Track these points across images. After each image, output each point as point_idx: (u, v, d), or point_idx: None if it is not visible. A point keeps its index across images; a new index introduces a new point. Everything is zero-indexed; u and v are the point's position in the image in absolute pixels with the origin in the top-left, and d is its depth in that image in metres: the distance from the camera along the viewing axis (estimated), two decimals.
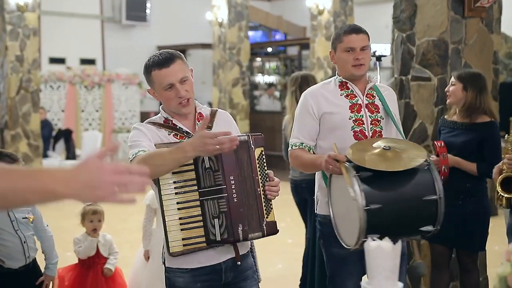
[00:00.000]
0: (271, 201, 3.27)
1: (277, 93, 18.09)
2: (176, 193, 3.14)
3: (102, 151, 2.03)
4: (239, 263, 3.26)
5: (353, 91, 3.99)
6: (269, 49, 19.80)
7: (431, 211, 3.49)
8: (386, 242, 2.00)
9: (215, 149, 2.96)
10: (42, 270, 4.69)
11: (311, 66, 13.75)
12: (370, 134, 3.92)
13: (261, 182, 3.24)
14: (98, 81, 16.88)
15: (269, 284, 6.68)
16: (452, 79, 5.09)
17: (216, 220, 3.12)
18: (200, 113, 3.36)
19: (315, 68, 13.39)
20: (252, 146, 3.22)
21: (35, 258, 4.56)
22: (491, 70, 6.18)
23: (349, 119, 3.93)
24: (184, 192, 3.15)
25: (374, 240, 2.02)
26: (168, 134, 3.26)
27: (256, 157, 3.23)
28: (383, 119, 3.97)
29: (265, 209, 3.23)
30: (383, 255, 2.00)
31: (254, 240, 3.92)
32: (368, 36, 4.04)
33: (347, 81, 4.00)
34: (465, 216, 4.75)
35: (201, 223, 3.14)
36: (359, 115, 3.94)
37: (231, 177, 3.14)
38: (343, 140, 3.82)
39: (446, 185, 4.58)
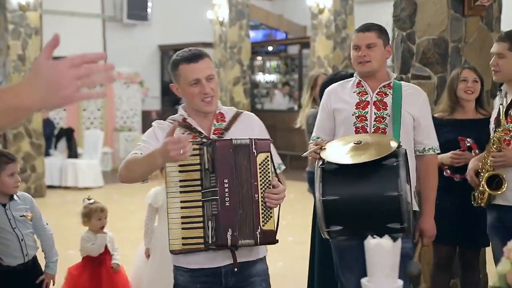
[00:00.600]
0: (272, 209, 3.17)
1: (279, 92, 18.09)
2: (180, 192, 3.13)
3: (45, 49, 1.95)
4: (236, 269, 3.20)
5: (365, 89, 4.02)
6: (270, 48, 19.83)
7: (394, 207, 3.44)
8: (386, 240, 2.00)
9: (178, 155, 2.85)
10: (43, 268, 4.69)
11: (312, 65, 13.76)
12: (372, 130, 3.94)
13: (261, 188, 3.15)
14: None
15: (272, 280, 6.70)
16: (471, 74, 5.04)
17: (209, 223, 3.09)
18: (220, 113, 3.32)
19: (316, 67, 13.38)
20: (254, 151, 3.14)
21: (35, 256, 4.57)
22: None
23: (353, 115, 3.97)
24: (187, 191, 3.13)
25: (374, 238, 2.02)
26: (182, 133, 3.20)
27: (259, 163, 3.14)
28: (389, 116, 3.97)
29: (263, 217, 3.14)
30: (383, 253, 2.00)
31: None
32: (380, 33, 4.03)
33: (360, 79, 4.05)
34: (467, 214, 4.75)
35: (201, 224, 3.11)
36: (364, 111, 3.97)
37: (225, 180, 3.10)
38: (349, 134, 3.90)
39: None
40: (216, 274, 3.20)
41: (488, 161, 4.25)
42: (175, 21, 18.44)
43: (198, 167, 3.11)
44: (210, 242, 3.09)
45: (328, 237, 3.60)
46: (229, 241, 3.08)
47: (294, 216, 10.28)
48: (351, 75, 5.32)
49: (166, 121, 3.34)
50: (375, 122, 3.96)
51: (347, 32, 13.21)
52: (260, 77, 18.81)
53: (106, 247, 5.44)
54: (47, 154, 13.75)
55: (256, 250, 3.24)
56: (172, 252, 3.19)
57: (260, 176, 3.14)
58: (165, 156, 2.90)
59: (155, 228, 5.45)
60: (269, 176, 3.17)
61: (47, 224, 4.68)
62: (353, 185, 3.51)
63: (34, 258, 4.55)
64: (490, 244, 4.64)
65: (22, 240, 4.40)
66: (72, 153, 14.29)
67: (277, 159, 3.33)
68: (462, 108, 5.05)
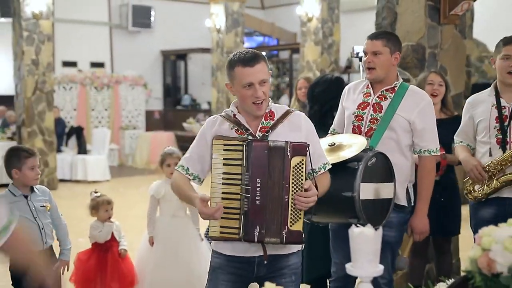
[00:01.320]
0: (301, 211, 3.05)
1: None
2: (222, 184, 3.09)
3: None
4: (265, 262, 3.14)
5: (369, 91, 4.04)
6: (263, 53, 19.79)
7: (350, 206, 3.51)
8: (369, 229, 2.01)
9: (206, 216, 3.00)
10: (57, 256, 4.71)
11: (301, 69, 13.74)
12: (366, 130, 3.94)
13: (293, 191, 3.04)
14: (107, 82, 16.86)
15: None
16: (436, 78, 5.07)
17: (242, 217, 3.06)
18: (271, 111, 3.20)
19: (305, 70, 13.37)
20: (288, 154, 3.02)
21: (52, 245, 4.58)
22: (464, 72, 6.21)
23: (353, 114, 4.01)
24: (229, 184, 3.09)
25: (357, 226, 2.02)
26: (231, 129, 3.17)
27: (293, 166, 3.02)
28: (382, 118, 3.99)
29: (291, 218, 3.04)
30: (365, 240, 2.01)
31: None
32: (387, 41, 4.02)
33: (369, 82, 4.08)
34: (441, 206, 4.74)
35: (238, 216, 3.07)
36: (363, 112, 3.99)
37: (258, 180, 3.03)
38: (348, 133, 3.98)
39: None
40: (250, 263, 3.16)
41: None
42: (176, 28, 18.43)
43: (239, 162, 3.06)
44: (240, 235, 3.06)
45: (309, 222, 3.65)
46: (256, 237, 3.04)
47: None
48: (337, 78, 5.36)
49: (219, 115, 3.28)
50: (369, 123, 3.95)
51: (334, 39, 13.22)
52: None
53: (112, 235, 5.47)
54: (58, 150, 13.73)
55: (288, 245, 3.17)
56: (210, 238, 3.20)
57: (293, 179, 3.04)
58: (199, 209, 3.03)
59: (157, 218, 5.45)
60: (302, 179, 3.05)
61: (61, 215, 4.70)
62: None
63: (51, 247, 4.57)
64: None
65: (42, 229, 4.42)
66: (82, 150, 14.28)
67: (321, 160, 3.23)
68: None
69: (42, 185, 4.61)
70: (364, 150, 3.64)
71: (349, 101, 4.10)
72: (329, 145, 3.64)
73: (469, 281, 1.78)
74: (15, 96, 12.97)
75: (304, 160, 3.04)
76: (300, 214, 3.06)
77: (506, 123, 4.19)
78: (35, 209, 4.41)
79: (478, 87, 5.59)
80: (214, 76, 15.57)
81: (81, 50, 17.13)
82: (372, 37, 4.06)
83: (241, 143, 3.07)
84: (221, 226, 3.08)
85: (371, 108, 3.98)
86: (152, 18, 18.41)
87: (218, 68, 15.26)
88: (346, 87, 4.24)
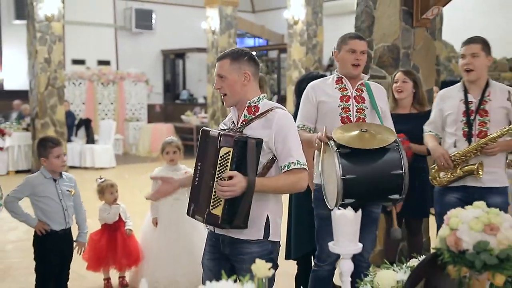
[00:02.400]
0: (221, 198, 2.90)
1: None
2: None
3: None
4: (223, 241, 3.09)
5: (345, 85, 4.01)
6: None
7: (398, 183, 3.52)
8: (349, 211, 2.01)
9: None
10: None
11: (288, 67, 13.73)
12: (355, 120, 3.93)
13: (217, 178, 2.92)
14: (112, 79, 16.79)
15: None
16: (401, 76, 5.07)
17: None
18: (256, 106, 3.09)
19: (291, 68, 13.38)
20: (218, 143, 2.95)
21: (71, 227, 4.63)
22: (434, 70, 6.22)
23: (338, 107, 3.95)
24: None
25: (339, 209, 2.03)
26: (229, 120, 3.21)
27: (221, 155, 2.93)
28: (367, 108, 3.97)
29: (213, 202, 2.94)
30: (346, 221, 2.01)
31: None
32: (366, 42, 4.09)
33: (342, 76, 4.03)
34: (413, 190, 4.74)
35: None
36: (347, 104, 3.96)
37: (199, 163, 3.07)
38: (333, 124, 3.86)
39: None
40: (218, 239, 3.14)
41: (471, 153, 4.16)
42: (175, 30, 18.38)
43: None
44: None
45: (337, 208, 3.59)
46: (190, 212, 3.10)
47: None
48: (321, 76, 5.34)
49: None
50: (356, 113, 3.95)
51: (317, 40, 13.22)
52: None
53: (120, 216, 5.49)
54: (69, 140, 13.68)
55: (247, 231, 3.00)
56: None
57: (219, 167, 2.93)
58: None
59: (159, 201, 5.44)
60: (225, 169, 2.91)
61: (82, 201, 4.76)
62: (366, 165, 3.55)
63: (70, 228, 4.61)
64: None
65: (66, 210, 4.49)
66: (90, 140, 14.24)
67: (288, 158, 2.96)
68: (400, 105, 5.09)
69: None
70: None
71: (324, 96, 4.00)
72: (361, 131, 3.63)
73: (438, 258, 1.79)
74: (30, 91, 12.94)
75: (231, 151, 2.89)
76: (221, 200, 2.90)
77: (472, 117, 4.19)
78: (61, 192, 4.49)
79: (446, 84, 5.61)
80: (209, 73, 15.53)
81: (89, 49, 17.06)
82: (360, 37, 4.07)
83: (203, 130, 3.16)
84: None
85: (354, 100, 3.98)
86: (153, 21, 18.37)
87: (213, 66, 15.12)
88: (313, 86, 4.07)
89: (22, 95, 14.50)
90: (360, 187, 3.50)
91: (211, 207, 2.94)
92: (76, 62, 16.91)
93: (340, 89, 4.01)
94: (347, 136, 3.61)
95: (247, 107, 3.09)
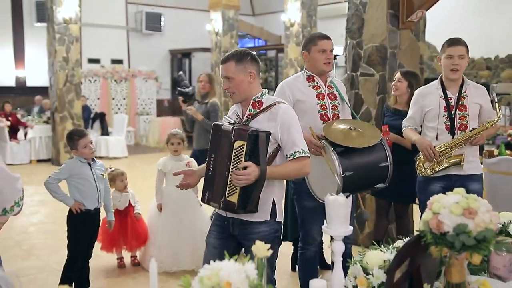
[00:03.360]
0: (237, 186, 2.94)
1: None
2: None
3: None
4: (225, 222, 3.14)
5: (318, 83, 3.95)
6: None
7: (384, 173, 3.57)
8: (341, 197, 2.01)
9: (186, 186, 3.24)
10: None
11: (285, 65, 13.72)
12: (331, 116, 3.90)
13: (232, 168, 2.95)
14: (124, 76, 16.79)
15: None
16: (398, 76, 5.08)
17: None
18: (260, 101, 3.11)
19: (288, 66, 13.37)
20: (232, 137, 2.96)
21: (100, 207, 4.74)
22: (418, 69, 6.21)
23: (317, 105, 3.91)
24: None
25: (332, 195, 2.03)
26: (234, 114, 3.20)
27: (235, 148, 2.95)
28: (339, 104, 3.97)
29: (228, 190, 2.98)
30: (338, 206, 2.02)
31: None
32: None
33: (314, 75, 3.96)
34: (402, 179, 4.74)
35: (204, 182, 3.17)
36: (323, 101, 3.92)
37: (212, 155, 3.06)
38: (312, 121, 3.82)
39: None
40: (227, 221, 3.15)
41: (455, 144, 4.17)
42: (182, 31, 18.36)
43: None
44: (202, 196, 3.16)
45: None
46: (205, 200, 3.11)
47: None
48: None
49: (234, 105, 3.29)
50: (332, 110, 3.92)
51: None
52: None
53: (129, 202, 5.52)
54: None
55: (257, 214, 3.05)
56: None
57: (234, 158, 2.95)
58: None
59: (164, 188, 5.45)
60: (240, 160, 2.94)
61: (109, 186, 4.93)
62: (360, 162, 3.55)
63: (100, 208, 4.70)
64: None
65: (99, 191, 4.58)
66: (104, 131, 14.26)
67: (293, 148, 3.01)
68: (398, 101, 5.12)
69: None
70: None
71: (301, 95, 3.91)
72: (350, 129, 3.63)
73: (422, 239, 1.80)
74: (50, 87, 12.94)
75: (245, 144, 2.92)
76: (236, 189, 2.95)
77: (453, 112, 4.20)
78: (96, 175, 4.57)
79: (429, 81, 5.61)
80: (213, 71, 15.50)
81: (103, 49, 17.04)
82: (328, 38, 4.02)
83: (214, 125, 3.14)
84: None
85: (328, 98, 3.95)
86: (162, 23, 18.35)
87: (216, 65, 15.19)
88: (288, 85, 3.96)
89: (43, 91, 14.51)
90: (355, 182, 3.51)
91: (227, 195, 2.98)
92: (91, 61, 16.89)
93: (313, 87, 3.96)
94: (338, 134, 3.58)
95: (252, 102, 3.11)
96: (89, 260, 4.78)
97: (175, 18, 18.52)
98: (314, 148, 3.65)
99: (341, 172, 3.45)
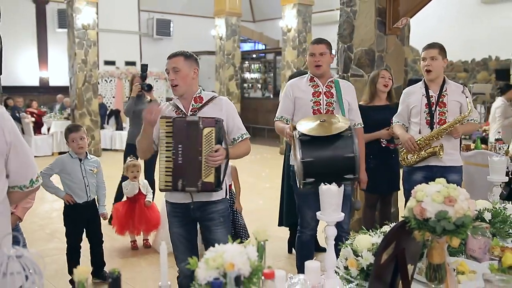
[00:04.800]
0: (212, 167, 3.04)
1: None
2: (166, 149, 3.09)
3: None
4: (192, 206, 3.18)
5: (317, 83, 3.97)
6: (254, 55, 19.67)
7: (350, 164, 3.39)
8: (334, 186, 2.01)
9: (150, 119, 3.06)
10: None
11: (282, 67, 13.68)
12: (325, 111, 3.90)
13: (205, 152, 3.02)
14: None
15: (254, 214, 6.72)
16: (388, 74, 4.94)
17: (171, 173, 3.09)
18: (200, 96, 3.24)
19: (285, 68, 13.33)
20: (201, 126, 3.03)
21: (95, 198, 4.61)
22: (403, 70, 6.22)
23: (311, 101, 3.93)
24: (166, 150, 3.09)
25: (325, 184, 2.03)
26: (172, 110, 3.21)
27: (204, 134, 3.03)
28: (335, 102, 3.95)
29: (204, 172, 3.04)
30: (331, 194, 2.01)
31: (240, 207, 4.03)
32: (328, 46, 3.97)
33: (313, 76, 3.99)
34: (385, 170, 4.75)
35: (170, 173, 3.10)
36: (318, 99, 3.93)
37: (179, 146, 3.05)
38: (306, 115, 3.82)
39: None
40: (187, 208, 3.18)
41: (434, 136, 4.17)
42: (189, 36, 18.31)
43: (171, 134, 3.08)
44: (171, 187, 3.11)
45: (302, 187, 3.50)
46: (179, 187, 3.07)
47: (270, 170, 10.30)
48: (305, 73, 5.31)
49: (168, 102, 3.34)
50: (326, 106, 3.92)
51: (307, 45, 13.15)
52: (247, 75, 18.68)
53: (140, 190, 5.51)
54: (102, 127, 13.70)
55: (216, 193, 3.17)
56: (160, 189, 3.16)
57: (204, 144, 3.03)
58: (146, 121, 3.08)
59: None
60: (212, 144, 3.03)
61: (104, 181, 4.71)
62: (323, 150, 3.42)
63: (94, 200, 4.59)
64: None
65: (87, 186, 4.47)
66: (119, 127, 14.23)
67: (239, 131, 3.27)
68: (379, 97, 5.06)
69: (90, 153, 4.60)
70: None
71: (300, 92, 3.96)
72: (320, 121, 3.54)
73: (407, 224, 1.80)
74: (70, 87, 12.96)
75: (213, 130, 3.04)
76: (212, 170, 3.04)
77: (433, 108, 4.23)
78: (85, 170, 4.46)
79: (412, 82, 5.63)
80: (217, 72, 15.50)
81: (118, 52, 17.02)
82: (317, 42, 3.97)
83: (170, 119, 3.10)
84: (165, 181, 3.10)
85: (324, 96, 3.95)
86: (171, 29, 18.36)
87: (220, 66, 15.19)
88: (291, 84, 4.05)
89: (64, 90, 14.51)
90: (317, 168, 3.38)
91: (203, 177, 3.04)
92: (107, 63, 16.86)
93: (313, 86, 3.97)
94: (308, 125, 3.53)
95: (194, 97, 3.22)
96: (102, 245, 4.73)
97: (183, 24, 18.49)
98: (287, 137, 3.71)
99: (301, 157, 3.39)
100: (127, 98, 6.59)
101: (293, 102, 3.97)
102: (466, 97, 4.21)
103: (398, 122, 4.48)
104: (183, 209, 3.20)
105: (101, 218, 4.73)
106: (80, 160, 4.46)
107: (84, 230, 4.64)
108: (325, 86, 3.97)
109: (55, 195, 4.51)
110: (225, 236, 3.16)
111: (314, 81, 3.99)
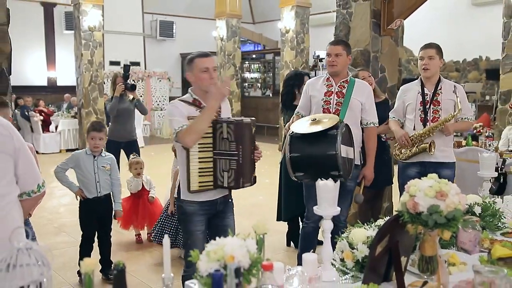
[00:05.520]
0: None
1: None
2: (198, 151, 3.03)
3: None
4: (230, 200, 3.23)
5: (331, 83, 4.00)
6: (254, 56, 19.65)
7: (332, 161, 3.40)
8: (330, 182, 2.01)
9: (225, 91, 3.01)
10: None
11: (281, 67, 13.66)
12: (333, 111, 3.92)
13: (253, 150, 3.12)
14: (141, 76, 16.73)
15: (254, 208, 6.73)
16: (366, 73, 4.89)
17: (225, 173, 3.03)
18: None
19: (284, 68, 13.31)
20: (253, 127, 3.10)
21: (109, 194, 4.57)
22: (397, 70, 6.22)
23: (321, 100, 3.97)
24: (203, 150, 3.04)
25: (322, 180, 2.03)
26: (196, 110, 3.07)
27: (252, 134, 3.12)
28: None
29: (254, 168, 3.14)
30: (327, 189, 2.02)
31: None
32: (345, 47, 3.97)
33: (329, 76, 4.02)
34: (383, 164, 4.76)
35: (212, 173, 3.06)
36: (329, 98, 3.96)
37: (241, 147, 3.03)
38: (317, 113, 3.90)
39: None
40: (213, 204, 3.17)
41: (426, 133, 4.19)
42: (191, 37, 18.29)
43: (211, 135, 3.03)
44: (223, 185, 3.06)
45: (295, 179, 3.61)
46: (241, 184, 3.06)
47: (269, 166, 10.31)
48: (295, 72, 5.32)
49: (177, 101, 3.19)
50: (335, 106, 3.93)
51: (304, 45, 13.14)
52: (247, 75, 18.67)
53: (143, 186, 5.51)
54: (107, 125, 13.66)
55: (226, 190, 3.19)
56: (191, 191, 3.06)
57: (253, 143, 3.12)
58: (219, 94, 2.99)
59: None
60: (255, 141, 3.14)
61: (119, 178, 4.68)
62: (309, 146, 3.46)
63: (106, 195, 4.55)
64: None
65: (98, 182, 4.46)
66: None
67: None
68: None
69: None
70: (337, 123, 3.56)
71: (315, 91, 4.03)
72: (312, 120, 3.58)
73: (400, 218, 1.80)
74: (76, 86, 12.94)
75: (255, 130, 3.15)
76: (255, 165, 3.14)
77: (427, 106, 4.24)
78: (97, 167, 4.45)
79: (406, 81, 5.64)
80: (218, 72, 15.50)
81: (123, 53, 17.00)
82: (333, 43, 4.01)
83: (232, 122, 3.04)
84: (199, 182, 3.05)
85: (335, 95, 3.96)
86: (174, 30, 18.32)
87: (221, 67, 15.16)
88: (308, 83, 4.15)
89: (71, 89, 14.51)
90: (304, 163, 3.45)
91: (253, 172, 3.14)
92: (112, 63, 16.85)
93: (327, 85, 4.01)
94: (300, 124, 3.59)
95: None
96: (110, 245, 4.70)
97: (185, 26, 18.45)
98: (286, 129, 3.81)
99: (288, 153, 3.49)
100: (111, 98, 6.62)
101: (309, 100, 4.06)
102: (457, 96, 4.21)
103: (394, 117, 4.51)
104: (210, 205, 3.17)
105: (114, 215, 4.75)
106: (94, 156, 4.47)
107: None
108: (338, 86, 3.98)
109: (68, 189, 4.51)
110: (233, 222, 3.29)
111: (330, 81, 4.02)
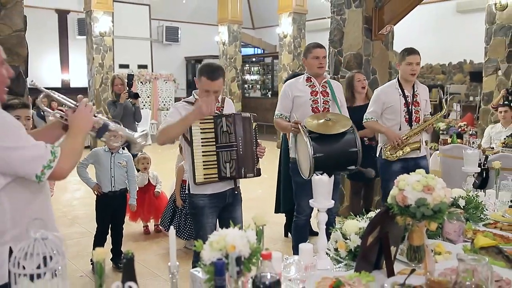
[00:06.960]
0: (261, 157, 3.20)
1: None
2: (202, 145, 3.04)
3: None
4: (236, 192, 3.21)
5: (314, 83, 3.98)
6: (254, 59, 19.63)
7: (353, 157, 3.44)
8: (325, 176, 2.02)
9: (208, 109, 2.89)
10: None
11: (279, 70, 13.67)
12: (322, 109, 3.92)
13: (254, 144, 3.14)
14: (148, 78, 16.69)
15: (254, 201, 6.74)
16: (362, 76, 5.06)
17: (227, 164, 3.04)
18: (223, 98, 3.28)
19: (282, 70, 13.32)
20: (252, 120, 3.13)
21: (124, 189, 4.59)
22: (387, 73, 6.21)
23: (309, 99, 3.94)
24: (207, 145, 3.05)
25: (317, 175, 2.04)
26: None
27: (253, 127, 3.15)
28: (330, 100, 3.96)
29: (256, 160, 3.16)
30: (323, 184, 2.02)
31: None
32: (326, 50, 4.02)
33: (311, 76, 4.00)
34: (370, 158, 4.75)
35: (216, 165, 3.06)
36: (316, 97, 3.94)
37: (240, 138, 3.05)
38: (305, 113, 3.84)
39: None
40: (223, 196, 3.17)
41: (413, 133, 4.21)
42: (195, 42, 18.28)
43: (212, 130, 3.05)
44: (227, 175, 3.06)
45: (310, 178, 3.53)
46: (243, 174, 3.08)
47: (268, 162, 10.29)
48: (293, 73, 5.33)
49: (182, 102, 3.24)
50: (323, 104, 3.93)
51: (301, 49, 13.13)
52: (247, 77, 18.66)
53: (149, 181, 5.50)
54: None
55: (237, 181, 3.21)
56: (197, 183, 3.06)
57: (254, 137, 3.13)
58: (198, 113, 2.90)
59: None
60: (257, 137, 3.16)
61: (134, 175, 4.71)
62: (330, 146, 3.45)
63: (122, 190, 4.55)
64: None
65: (112, 177, 4.47)
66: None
67: None
68: (356, 98, 5.08)
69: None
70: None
71: (298, 92, 3.95)
72: (326, 120, 3.55)
73: (390, 210, 1.81)
74: (88, 88, 12.97)
75: (257, 125, 3.18)
76: (259, 159, 3.18)
77: (410, 107, 4.24)
78: (113, 163, 4.47)
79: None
80: None
81: (131, 56, 16.98)
82: (321, 46, 3.99)
83: (211, 117, 3.05)
84: (204, 174, 3.05)
85: (321, 95, 3.95)
86: (179, 35, 18.30)
87: None
88: (289, 84, 4.04)
89: (83, 91, 14.46)
90: (326, 162, 3.42)
91: (256, 165, 3.15)
92: (122, 66, 16.81)
93: (310, 86, 3.98)
94: (316, 123, 3.54)
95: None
96: (122, 237, 4.71)
97: (189, 31, 18.44)
98: (293, 131, 3.74)
99: (312, 153, 3.41)
100: (111, 101, 6.70)
101: (292, 101, 3.97)
102: (441, 97, 4.30)
103: (372, 118, 4.38)
104: (220, 197, 3.17)
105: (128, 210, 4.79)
106: (112, 153, 4.48)
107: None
108: (321, 86, 3.98)
109: (86, 184, 4.52)
110: (241, 215, 3.28)
111: (311, 81, 3.99)
